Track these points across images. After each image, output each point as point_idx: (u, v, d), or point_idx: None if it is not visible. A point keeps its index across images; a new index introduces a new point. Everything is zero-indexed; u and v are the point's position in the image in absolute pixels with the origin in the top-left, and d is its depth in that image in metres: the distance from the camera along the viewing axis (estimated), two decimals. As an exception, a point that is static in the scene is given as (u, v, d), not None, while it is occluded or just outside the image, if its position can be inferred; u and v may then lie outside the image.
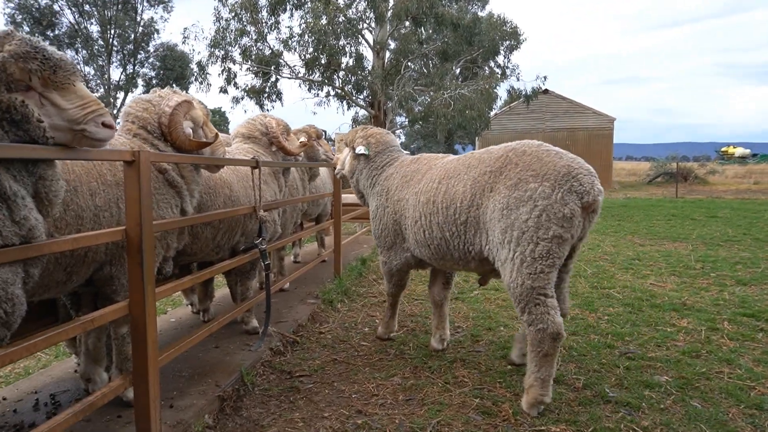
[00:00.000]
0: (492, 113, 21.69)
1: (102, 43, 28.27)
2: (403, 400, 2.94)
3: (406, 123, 22.64)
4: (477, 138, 28.54)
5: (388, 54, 20.95)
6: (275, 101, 18.89)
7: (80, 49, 28.13)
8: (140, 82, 29.77)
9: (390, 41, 20.95)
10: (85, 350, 2.68)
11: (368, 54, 20.76)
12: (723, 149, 56.86)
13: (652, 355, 3.50)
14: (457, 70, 20.75)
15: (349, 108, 22.23)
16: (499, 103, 28.98)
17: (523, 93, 20.12)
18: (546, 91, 26.14)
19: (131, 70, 29.36)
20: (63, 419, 1.84)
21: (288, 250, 6.78)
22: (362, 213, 7.75)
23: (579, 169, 2.79)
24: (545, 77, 20.17)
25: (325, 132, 7.11)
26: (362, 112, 26.41)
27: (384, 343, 3.87)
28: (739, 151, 54.60)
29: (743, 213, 13.05)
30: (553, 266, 2.60)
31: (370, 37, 19.74)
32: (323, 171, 6.10)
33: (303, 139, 4.56)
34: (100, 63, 28.79)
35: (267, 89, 18.60)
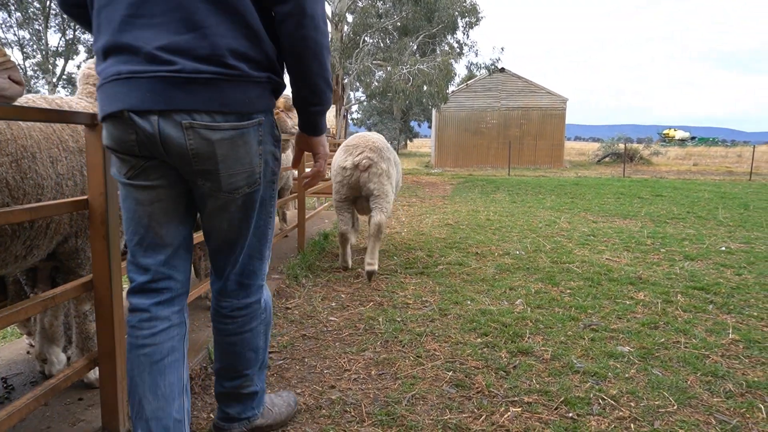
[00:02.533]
0: (449, 90, 21.71)
1: (38, 5, 26.38)
2: (376, 374, 2.92)
3: (364, 98, 22.39)
4: (434, 113, 28.59)
5: (346, 27, 20.53)
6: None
7: (13, 12, 26.18)
8: (81, 48, 28.08)
9: (348, 14, 20.53)
10: (40, 329, 2.51)
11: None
12: (665, 132, 59.41)
13: (614, 327, 3.62)
14: (415, 46, 20.59)
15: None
16: (458, 80, 29.07)
17: (482, 66, 20.21)
18: (502, 70, 26.39)
19: (71, 36, 27.61)
20: (23, 404, 1.71)
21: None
22: (324, 188, 7.63)
23: (358, 145, 4.87)
24: (502, 48, 20.31)
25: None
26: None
27: (352, 317, 3.84)
28: (679, 134, 57.22)
29: (685, 192, 13.70)
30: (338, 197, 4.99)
31: (328, 8, 19.28)
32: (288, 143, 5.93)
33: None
34: (36, 27, 26.92)
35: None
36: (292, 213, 7.81)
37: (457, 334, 3.48)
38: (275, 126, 1.76)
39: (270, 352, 3.19)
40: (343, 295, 4.40)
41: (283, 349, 3.25)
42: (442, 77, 17.62)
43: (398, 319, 3.77)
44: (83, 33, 27.33)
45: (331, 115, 16.55)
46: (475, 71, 23.39)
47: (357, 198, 5.00)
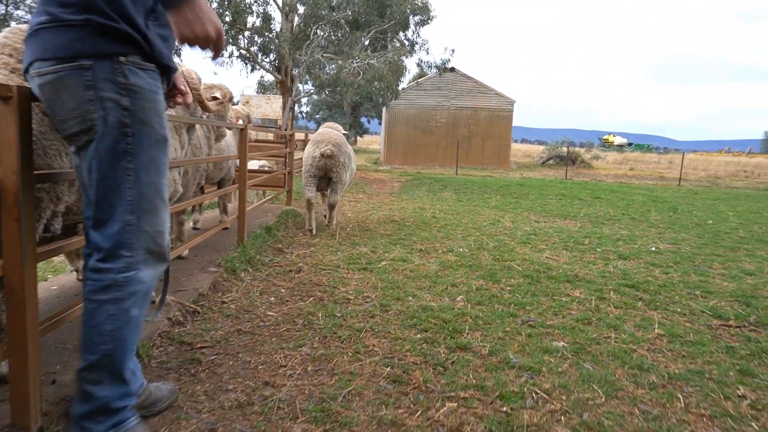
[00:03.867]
0: (400, 87, 21.81)
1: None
2: (313, 370, 2.87)
3: (313, 91, 22.16)
4: (384, 110, 28.65)
5: (297, 18, 20.23)
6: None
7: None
8: (14, 24, 26.38)
9: (299, 5, 20.22)
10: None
11: (277, 15, 19.93)
12: (605, 137, 62.12)
13: (550, 323, 3.72)
14: (367, 41, 20.56)
15: (253, 71, 21.34)
16: (408, 77, 29.20)
17: (432, 65, 20.40)
18: (452, 69, 26.76)
19: (3, 11, 25.85)
20: None
21: (188, 215, 6.39)
22: (267, 180, 7.48)
23: (323, 140, 6.67)
24: (453, 50, 20.57)
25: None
26: (268, 77, 25.45)
27: (291, 313, 3.77)
28: (617, 140, 60.00)
29: (621, 195, 14.35)
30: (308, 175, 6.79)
31: (278, -3, 18.92)
32: (228, 133, 5.77)
33: (217, 94, 4.26)
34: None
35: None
36: (233, 205, 7.61)
37: (397, 330, 3.48)
38: (123, 73, 1.70)
39: (202, 348, 3.08)
40: (282, 290, 4.33)
41: (216, 344, 3.15)
42: (392, 73, 17.67)
43: (338, 315, 3.74)
44: (16, 8, 25.65)
45: (277, 106, 16.26)
46: (425, 69, 23.60)
47: (321, 178, 6.92)
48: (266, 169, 8.87)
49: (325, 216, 7.61)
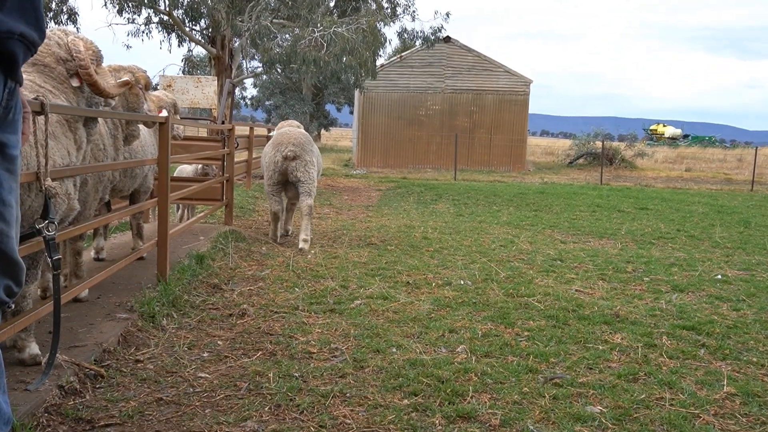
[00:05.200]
0: (378, 63, 21.97)
1: None
2: (262, 452, 2.84)
3: (261, 69, 22.21)
4: (357, 94, 28.80)
5: (237, -30, 20.31)
6: (65, 24, 17.51)
7: None
8: None
9: (240, -47, 20.33)
10: None
11: (209, -34, 19.94)
12: (652, 127, 63.21)
13: (582, 381, 3.74)
14: (332, 3, 20.73)
15: (180, 44, 21.31)
16: (389, 50, 29.39)
17: (420, 35, 20.56)
18: (448, 40, 27.02)
19: None
20: None
21: (87, 241, 6.30)
22: (199, 191, 7.43)
23: (282, 142, 7.78)
24: (447, 14, 20.72)
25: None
26: (199, 51, 25.42)
27: (232, 373, 3.73)
28: (669, 131, 61.07)
29: (675, 205, 14.60)
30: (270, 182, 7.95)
31: (212, -57, 19.00)
32: (144, 130, 5.73)
33: (126, 77, 4.24)
34: None
35: (53, 5, 17.15)
36: (151, 226, 7.53)
37: (376, 394, 3.46)
38: None
39: (107, 425, 3.02)
40: (220, 342, 4.28)
41: (128, 419, 3.09)
42: (367, 45, 17.80)
43: (296, 375, 3.71)
44: None
45: (210, 91, 16.24)
46: (411, 40, 23.82)
47: (286, 184, 7.88)
48: (198, 175, 8.84)
49: (289, 233, 8.77)
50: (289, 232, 8.79)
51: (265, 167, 7.94)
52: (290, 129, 8.26)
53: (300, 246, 7.66)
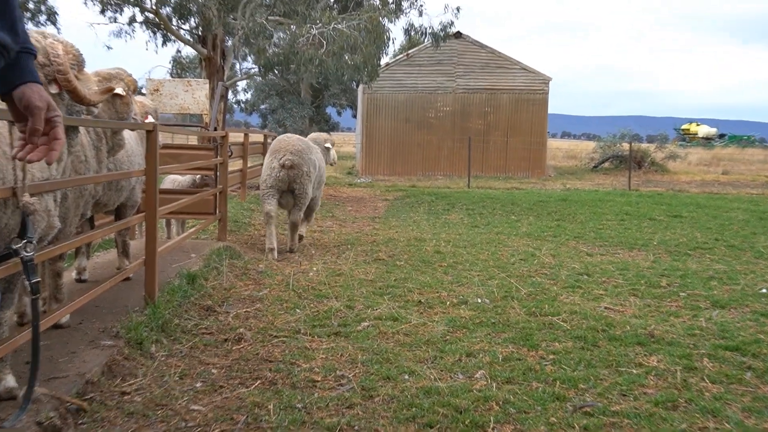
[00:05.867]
0: (383, 62, 22.03)
1: None
2: (262, 493, 2.81)
3: (256, 71, 22.31)
4: (361, 95, 28.88)
5: (228, -36, 20.44)
6: (45, 24, 17.67)
7: None
8: None
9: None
10: None
11: (198, -40, 20.07)
12: (684, 127, 63.13)
13: (616, 409, 3.70)
14: (333, -2, 20.82)
15: (165, 43, 21.47)
16: (394, 48, 29.46)
17: (428, 31, 20.59)
18: (458, 35, 27.07)
19: None
20: None
21: (68, 261, 6.30)
22: (191, 204, 7.43)
23: (280, 149, 8.51)
24: (457, 8, 20.75)
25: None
26: (188, 51, 25.55)
27: (228, 405, 3.71)
28: (703, 130, 60.97)
29: (712, 212, 14.53)
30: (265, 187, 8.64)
31: (201, -65, 19.17)
32: (132, 139, 5.75)
33: (120, 90, 4.28)
34: None
35: (31, 5, 17.31)
36: (138, 244, 7.53)
37: (388, 427, 3.44)
38: None
39: (92, 465, 3.00)
40: (214, 370, 4.26)
41: (113, 458, 3.07)
42: (370, 42, 17.85)
43: (299, 406, 3.69)
44: None
45: (201, 95, 16.30)
46: (419, 37, 23.87)
47: (284, 192, 8.56)
48: (198, 186, 8.91)
49: (294, 250, 8.91)
50: (294, 250, 8.85)
51: (262, 172, 8.73)
52: (290, 136, 8.94)
53: (287, 251, 8.67)
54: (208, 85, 17.25)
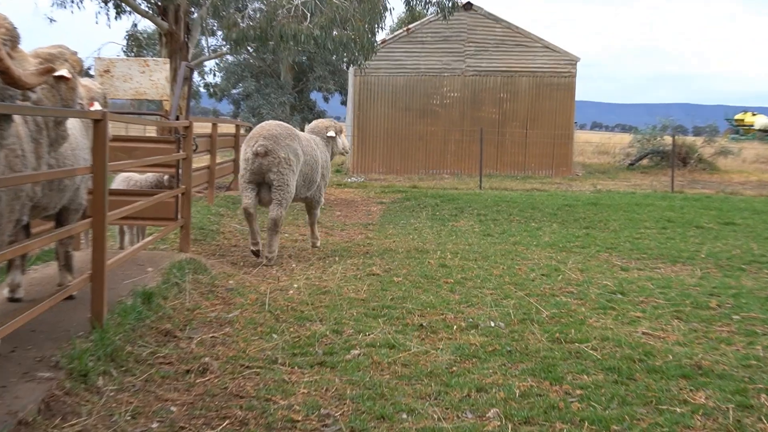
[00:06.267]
0: (378, 38, 22.00)
1: None
2: None
3: (225, 48, 22.34)
4: (352, 78, 28.85)
5: None
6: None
7: None
8: None
9: None
10: None
11: None
12: (737, 117, 63.23)
13: (655, 455, 3.68)
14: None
15: (118, 15, 21.47)
16: (390, 22, 29.43)
17: (432, 1, 20.59)
18: (469, 6, 27.08)
19: None
20: None
21: (-1, 276, 6.30)
22: (146, 209, 7.40)
23: (253, 136, 8.98)
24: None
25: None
26: (145, 24, 25.56)
27: (190, 450, 3.69)
28: (760, 121, 61.07)
29: (771, 218, 14.54)
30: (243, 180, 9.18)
31: None
32: (76, 131, 5.74)
33: (64, 72, 4.29)
34: None
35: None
36: (84, 255, 7.52)
37: (381, 476, 3.43)
38: None
39: None
40: (173, 408, 4.24)
41: None
42: (364, 14, 17.87)
43: None
44: None
45: (161, 77, 16.27)
46: (422, 9, 23.86)
47: (260, 184, 8.91)
48: (163, 186, 8.92)
49: (271, 261, 8.93)
50: (271, 261, 8.89)
51: (240, 163, 9.21)
52: (270, 122, 9.39)
53: (264, 263, 8.77)
54: (169, 66, 17.21)
